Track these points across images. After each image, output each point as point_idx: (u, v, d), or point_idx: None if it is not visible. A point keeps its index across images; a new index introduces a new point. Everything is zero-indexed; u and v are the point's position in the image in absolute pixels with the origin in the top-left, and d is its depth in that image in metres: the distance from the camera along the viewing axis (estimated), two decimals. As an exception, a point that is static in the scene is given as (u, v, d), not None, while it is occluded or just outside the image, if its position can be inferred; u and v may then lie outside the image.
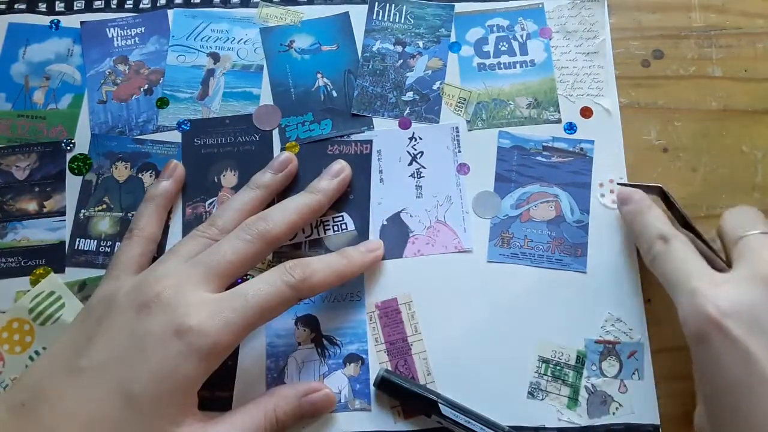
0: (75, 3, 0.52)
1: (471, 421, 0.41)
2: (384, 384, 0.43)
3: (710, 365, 0.31)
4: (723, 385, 0.30)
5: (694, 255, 0.38)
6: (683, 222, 0.43)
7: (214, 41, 0.51)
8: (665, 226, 0.40)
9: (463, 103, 0.49)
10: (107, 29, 0.51)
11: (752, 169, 0.48)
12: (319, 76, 0.50)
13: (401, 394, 0.43)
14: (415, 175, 0.48)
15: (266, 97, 0.49)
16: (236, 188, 0.47)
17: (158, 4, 0.52)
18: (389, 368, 0.44)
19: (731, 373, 0.29)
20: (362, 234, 0.46)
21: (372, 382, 0.43)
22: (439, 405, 0.42)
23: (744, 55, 0.51)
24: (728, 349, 0.30)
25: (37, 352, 0.28)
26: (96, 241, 0.46)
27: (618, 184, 0.46)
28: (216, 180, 0.47)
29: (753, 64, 0.50)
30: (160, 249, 0.45)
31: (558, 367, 0.44)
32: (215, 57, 0.50)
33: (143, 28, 0.51)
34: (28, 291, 0.43)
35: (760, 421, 0.28)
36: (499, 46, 0.50)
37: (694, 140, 0.49)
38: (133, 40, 0.50)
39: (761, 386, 0.28)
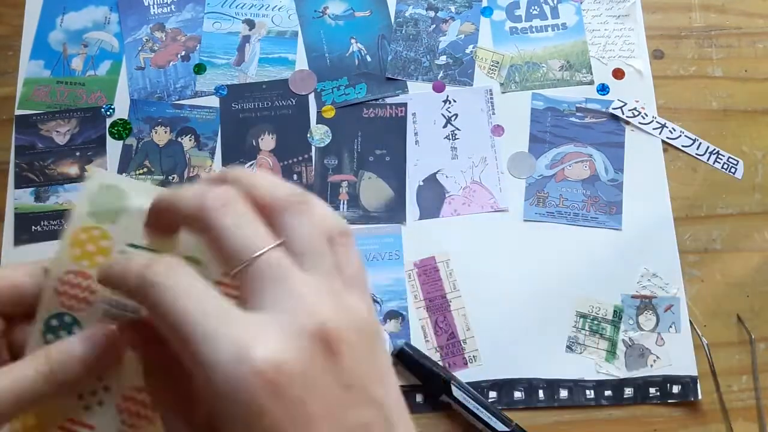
0: (111, -28, 0.52)
1: (479, 407, 0.41)
2: (401, 356, 0.43)
3: None
4: None
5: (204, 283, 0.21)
6: None
7: (249, 8, 0.51)
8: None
9: (496, 67, 0.50)
10: (143, -3, 0.51)
11: (752, 169, 0.48)
12: (353, 41, 0.50)
13: (417, 369, 0.43)
14: (450, 137, 0.48)
15: (301, 63, 0.50)
16: (274, 151, 0.48)
17: (192, -27, 0.52)
18: (429, 324, 0.44)
19: None
20: (399, 194, 0.47)
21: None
22: (451, 385, 0.42)
23: (744, 55, 0.51)
24: (287, 416, 0.20)
25: (122, 252, 0.21)
26: (138, 203, 0.47)
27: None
28: (254, 143, 0.48)
29: (753, 64, 0.50)
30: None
31: (595, 322, 0.44)
32: (250, 24, 0.51)
33: (178, -4, 0.51)
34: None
35: None
36: (531, 10, 0.51)
37: (693, 141, 0.49)
38: (169, 7, 0.51)
39: None
